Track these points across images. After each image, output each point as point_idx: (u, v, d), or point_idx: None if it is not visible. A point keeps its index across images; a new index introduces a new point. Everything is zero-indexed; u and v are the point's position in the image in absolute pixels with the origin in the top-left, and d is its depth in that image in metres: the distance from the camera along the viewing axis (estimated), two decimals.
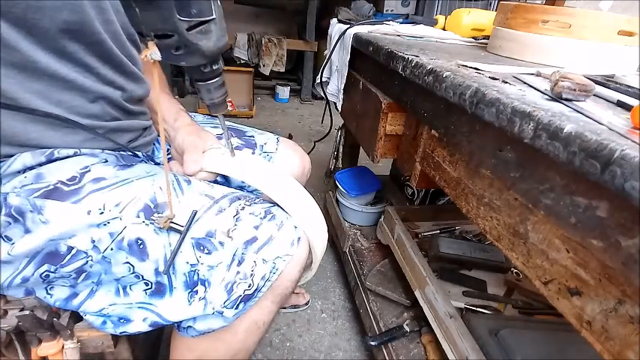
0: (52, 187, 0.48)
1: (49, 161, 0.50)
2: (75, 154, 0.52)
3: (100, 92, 0.53)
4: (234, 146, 0.63)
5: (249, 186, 0.73)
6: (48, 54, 0.46)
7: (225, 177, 0.67)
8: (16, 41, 0.43)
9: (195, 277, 0.51)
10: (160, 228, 0.49)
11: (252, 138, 0.78)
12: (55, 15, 0.44)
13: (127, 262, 0.49)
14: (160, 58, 0.40)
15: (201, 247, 0.50)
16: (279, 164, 0.78)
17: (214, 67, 0.48)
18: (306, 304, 1.17)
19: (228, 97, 0.53)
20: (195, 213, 0.50)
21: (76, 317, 0.55)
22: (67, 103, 0.50)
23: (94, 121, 0.53)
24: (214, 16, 0.42)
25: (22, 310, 0.52)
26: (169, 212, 0.49)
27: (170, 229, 0.49)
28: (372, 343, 0.85)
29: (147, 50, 0.39)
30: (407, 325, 0.87)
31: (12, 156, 0.49)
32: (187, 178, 0.57)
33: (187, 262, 0.50)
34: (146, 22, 0.38)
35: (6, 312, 0.52)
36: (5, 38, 0.42)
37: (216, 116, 0.56)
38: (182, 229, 0.49)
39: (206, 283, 0.51)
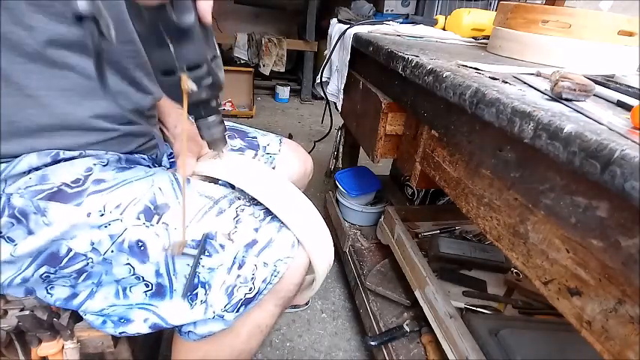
0: (55, 188, 0.47)
1: (55, 162, 0.50)
2: (80, 156, 0.52)
3: (132, 100, 0.55)
4: (232, 148, 0.63)
5: None
6: (86, 57, 0.47)
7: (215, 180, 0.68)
8: None
9: (196, 280, 0.51)
10: (174, 255, 0.49)
11: (254, 139, 0.78)
12: None
13: (128, 264, 0.49)
14: (196, 88, 0.44)
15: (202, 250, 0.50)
16: (281, 165, 0.78)
17: (219, 102, 0.51)
18: (306, 304, 1.17)
19: (226, 133, 0.55)
20: (206, 237, 0.50)
21: (76, 317, 0.55)
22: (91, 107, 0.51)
23: (110, 123, 0.53)
24: (218, 54, 0.47)
25: (22, 310, 0.52)
26: (182, 239, 0.49)
27: (183, 254, 0.49)
28: (372, 343, 0.85)
29: (185, 82, 0.43)
30: (407, 325, 0.87)
31: (17, 156, 0.48)
32: (187, 178, 0.57)
33: (188, 265, 0.50)
34: (180, 57, 0.41)
35: (6, 312, 0.52)
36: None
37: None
38: (195, 253, 0.49)
39: (206, 285, 0.50)
